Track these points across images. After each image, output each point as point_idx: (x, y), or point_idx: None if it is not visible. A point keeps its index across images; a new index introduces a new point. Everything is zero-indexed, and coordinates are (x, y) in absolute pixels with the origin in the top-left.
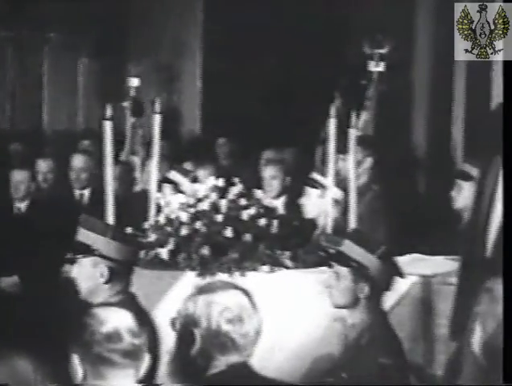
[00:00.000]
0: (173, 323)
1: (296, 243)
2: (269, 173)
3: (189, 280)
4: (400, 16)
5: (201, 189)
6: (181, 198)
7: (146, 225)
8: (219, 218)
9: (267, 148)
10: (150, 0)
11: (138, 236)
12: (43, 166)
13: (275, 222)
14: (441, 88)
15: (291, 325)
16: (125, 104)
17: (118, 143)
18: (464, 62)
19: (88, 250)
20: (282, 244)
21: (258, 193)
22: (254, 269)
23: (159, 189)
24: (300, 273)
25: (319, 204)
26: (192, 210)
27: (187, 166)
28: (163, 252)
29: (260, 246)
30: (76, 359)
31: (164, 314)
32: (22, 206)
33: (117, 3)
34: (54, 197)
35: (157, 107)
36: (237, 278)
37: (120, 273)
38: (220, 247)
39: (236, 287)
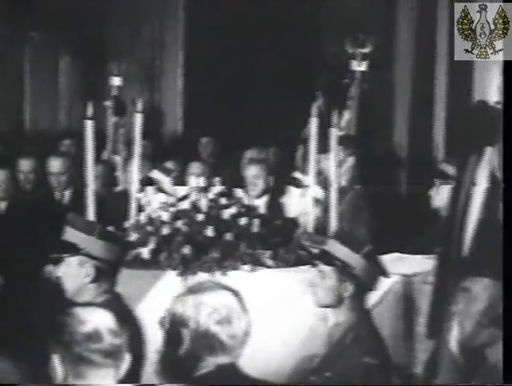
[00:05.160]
0: (162, 323)
1: (277, 242)
2: (251, 172)
3: (170, 279)
4: (382, 15)
5: (182, 188)
6: (162, 197)
7: (127, 224)
8: (200, 217)
9: (249, 147)
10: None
11: (120, 235)
12: (24, 165)
13: (256, 221)
14: (423, 88)
15: (275, 324)
16: (107, 103)
17: (100, 142)
18: (444, 60)
19: (74, 249)
20: (264, 244)
21: (239, 192)
22: (235, 269)
23: (141, 188)
24: (282, 272)
25: (300, 203)
26: (173, 209)
27: (169, 165)
28: (145, 252)
29: (241, 245)
30: (56, 359)
31: (146, 314)
32: (2, 206)
33: (98, 1)
34: (35, 197)
35: (139, 106)
36: (218, 277)
37: (106, 273)
38: (202, 246)
39: (225, 288)
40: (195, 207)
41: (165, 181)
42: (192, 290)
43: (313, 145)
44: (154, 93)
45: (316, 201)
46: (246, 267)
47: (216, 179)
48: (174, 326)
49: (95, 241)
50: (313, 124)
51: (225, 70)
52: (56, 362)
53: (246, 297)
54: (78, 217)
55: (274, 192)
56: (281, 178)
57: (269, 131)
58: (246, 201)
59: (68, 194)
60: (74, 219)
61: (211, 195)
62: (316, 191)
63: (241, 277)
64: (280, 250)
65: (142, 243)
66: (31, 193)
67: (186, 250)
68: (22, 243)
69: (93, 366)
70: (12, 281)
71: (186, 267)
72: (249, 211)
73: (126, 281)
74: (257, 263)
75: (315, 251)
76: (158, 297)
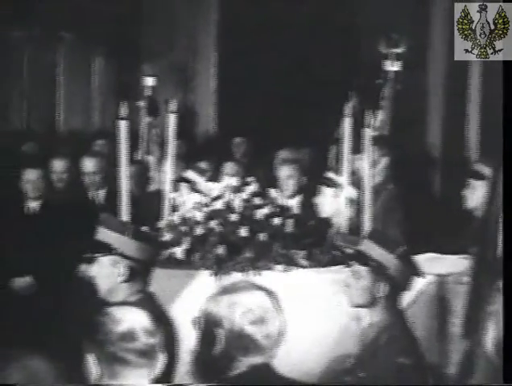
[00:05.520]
0: (195, 323)
1: (311, 242)
2: (284, 172)
3: (204, 279)
4: (415, 15)
5: (216, 188)
6: (196, 197)
7: (161, 224)
8: (234, 217)
9: (283, 147)
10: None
11: (153, 235)
12: (57, 165)
13: (290, 221)
14: (456, 88)
15: (308, 324)
16: (140, 103)
17: (133, 143)
18: (478, 61)
19: (107, 249)
20: (297, 244)
21: (273, 192)
22: (269, 269)
23: (174, 188)
24: (315, 273)
25: (333, 203)
26: (207, 209)
27: (203, 165)
28: (178, 252)
29: (275, 245)
30: (91, 359)
31: (180, 313)
32: (36, 205)
33: (132, 2)
34: (68, 197)
35: (172, 106)
36: (252, 277)
37: (139, 272)
38: (235, 246)
39: (259, 288)
40: (228, 207)
41: (199, 181)
42: (227, 290)
43: (346, 145)
44: (188, 94)
45: (350, 201)
46: (280, 267)
47: (250, 179)
48: (208, 326)
49: (128, 241)
50: (346, 124)
51: (258, 70)
52: (91, 361)
53: (280, 297)
54: (111, 217)
55: (308, 192)
56: (314, 178)
57: (302, 131)
58: (280, 201)
59: (101, 194)
60: (107, 219)
61: (244, 195)
62: (350, 192)
63: (274, 277)
64: (314, 250)
65: (176, 243)
66: (65, 193)
67: (220, 250)
68: (55, 242)
69: (128, 365)
70: (45, 280)
71: (220, 267)
72: (283, 211)
73: (160, 281)
74: (290, 263)
75: (350, 251)
76: (191, 297)
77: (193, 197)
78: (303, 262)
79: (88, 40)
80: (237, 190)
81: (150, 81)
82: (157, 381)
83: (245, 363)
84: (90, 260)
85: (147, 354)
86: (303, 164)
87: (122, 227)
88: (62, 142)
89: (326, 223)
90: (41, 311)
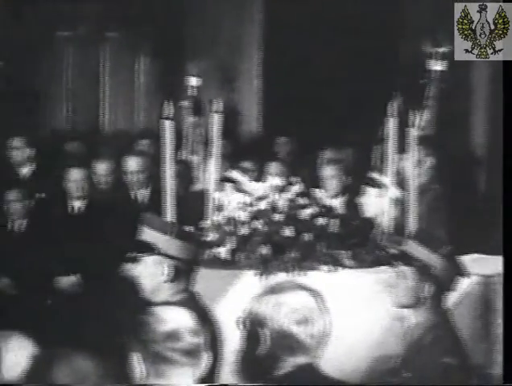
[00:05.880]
0: (240, 323)
1: (355, 242)
2: (328, 172)
3: (249, 279)
4: None
5: (260, 188)
6: (240, 197)
7: (205, 224)
8: (278, 217)
9: (327, 147)
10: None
11: (197, 235)
12: (102, 165)
13: (334, 221)
14: (501, 87)
15: (352, 324)
16: (185, 103)
17: (177, 142)
18: None
19: (151, 249)
20: (342, 244)
21: (317, 192)
22: (314, 269)
23: (219, 188)
24: (360, 273)
25: (378, 204)
26: (251, 209)
27: (247, 165)
28: (223, 252)
29: (319, 245)
30: (136, 358)
31: (225, 313)
32: (80, 205)
33: (175, 2)
34: (112, 196)
35: (217, 106)
36: (297, 278)
37: (182, 272)
38: (280, 246)
39: (305, 288)
40: (273, 207)
41: (243, 181)
42: (272, 290)
43: (391, 145)
44: (232, 93)
45: (394, 201)
46: (325, 267)
47: (294, 179)
48: (253, 326)
49: (172, 241)
50: (391, 124)
51: (302, 70)
52: (136, 361)
53: (324, 297)
54: (155, 217)
55: (352, 192)
56: (358, 178)
57: (346, 131)
58: (324, 201)
59: (145, 193)
60: (151, 219)
61: (289, 195)
62: (394, 192)
63: (319, 277)
64: (358, 250)
65: (220, 243)
66: (109, 192)
67: (264, 250)
68: (100, 242)
69: (173, 365)
70: (90, 279)
71: (264, 267)
72: (327, 211)
73: (204, 281)
74: (335, 263)
75: (394, 251)
76: (236, 297)
77: (237, 197)
78: (348, 262)
79: (132, 40)
80: (282, 189)
81: (194, 81)
82: (201, 381)
83: (289, 363)
84: (134, 260)
85: (192, 353)
86: (347, 164)
87: (166, 226)
88: (106, 142)
89: (370, 223)
90: (86, 310)
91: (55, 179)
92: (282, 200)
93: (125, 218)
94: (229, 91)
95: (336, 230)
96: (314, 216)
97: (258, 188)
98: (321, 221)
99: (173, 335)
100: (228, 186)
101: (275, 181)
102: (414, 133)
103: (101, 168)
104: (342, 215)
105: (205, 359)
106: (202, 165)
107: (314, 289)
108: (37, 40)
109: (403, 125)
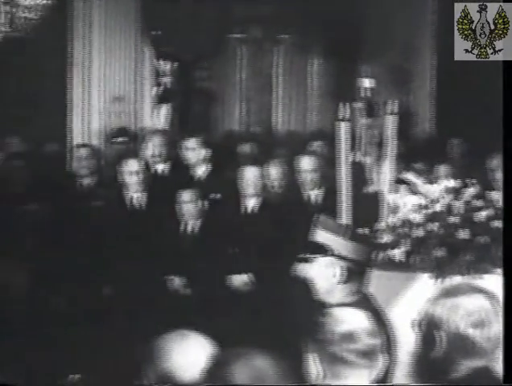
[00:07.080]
0: (416, 325)
1: None
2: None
3: (424, 281)
4: None
5: (436, 190)
6: (415, 199)
7: (380, 226)
8: (453, 219)
9: (499, 149)
10: (382, 2)
11: (371, 236)
12: (274, 166)
13: None
14: None
15: None
16: (357, 104)
17: (350, 144)
18: None
19: (324, 250)
20: None
21: (494, 194)
22: (490, 271)
23: (394, 190)
24: None
25: None
26: (427, 211)
27: (422, 166)
28: (397, 254)
29: (495, 248)
30: (312, 359)
31: (399, 316)
32: (253, 204)
33: (350, 5)
34: (285, 197)
35: (392, 108)
36: (473, 280)
37: (355, 274)
38: (455, 249)
39: (481, 291)
40: (448, 210)
41: (418, 183)
42: (447, 293)
43: None
44: (404, 95)
45: None
46: (500, 270)
47: (469, 181)
48: (428, 328)
49: (345, 243)
50: None
51: (476, 71)
52: (312, 361)
53: (500, 300)
54: (329, 219)
55: None
56: None
57: None
58: (500, 203)
59: (318, 194)
60: (325, 221)
61: (464, 197)
62: None
63: (495, 280)
64: None
65: (395, 245)
66: (282, 192)
67: (439, 252)
68: (272, 241)
69: (349, 366)
70: (263, 279)
71: (440, 270)
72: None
73: (379, 283)
74: None
75: None
76: (411, 299)
77: (413, 199)
78: None
79: (305, 42)
80: (457, 192)
81: (367, 82)
82: (377, 382)
83: (465, 366)
84: (307, 261)
85: (368, 355)
86: None
87: (340, 229)
88: (279, 143)
89: None
90: (258, 309)
91: (229, 180)
92: (457, 202)
93: (298, 218)
94: (403, 92)
95: None
96: (490, 219)
97: (433, 190)
98: (497, 224)
99: (350, 336)
100: (402, 187)
101: (450, 183)
102: None
103: (274, 168)
104: None
105: (381, 361)
106: (375, 166)
107: (490, 291)
108: (211, 42)
109: None
